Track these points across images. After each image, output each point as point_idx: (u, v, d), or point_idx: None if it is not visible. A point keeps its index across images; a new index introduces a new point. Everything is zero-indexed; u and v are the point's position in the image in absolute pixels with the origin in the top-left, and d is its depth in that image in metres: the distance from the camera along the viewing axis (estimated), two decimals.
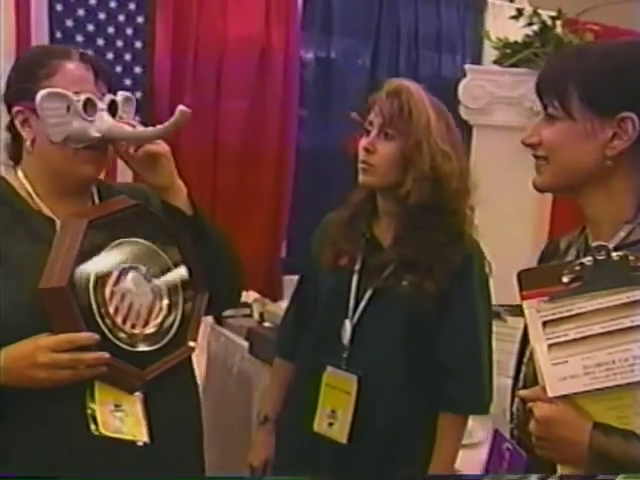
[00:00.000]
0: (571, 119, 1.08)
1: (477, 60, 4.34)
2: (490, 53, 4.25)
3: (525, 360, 1.18)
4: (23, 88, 1.34)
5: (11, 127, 1.37)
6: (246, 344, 2.95)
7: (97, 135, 1.34)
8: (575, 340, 0.97)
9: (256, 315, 3.22)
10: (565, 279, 1.00)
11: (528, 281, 1.03)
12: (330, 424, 1.66)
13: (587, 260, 1.01)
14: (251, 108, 3.87)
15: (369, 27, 4.29)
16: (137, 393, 1.31)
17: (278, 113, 3.93)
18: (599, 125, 1.06)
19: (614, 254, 1.00)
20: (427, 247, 1.61)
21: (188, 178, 1.49)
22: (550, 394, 0.97)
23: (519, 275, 1.04)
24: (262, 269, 3.85)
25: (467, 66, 3.29)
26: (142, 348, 1.34)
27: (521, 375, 1.20)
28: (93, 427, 1.23)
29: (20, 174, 1.38)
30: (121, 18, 3.45)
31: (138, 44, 3.49)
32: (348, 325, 1.67)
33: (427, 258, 1.60)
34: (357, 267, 1.70)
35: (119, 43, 3.44)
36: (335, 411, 1.66)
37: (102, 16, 3.39)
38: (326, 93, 4.21)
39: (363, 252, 1.70)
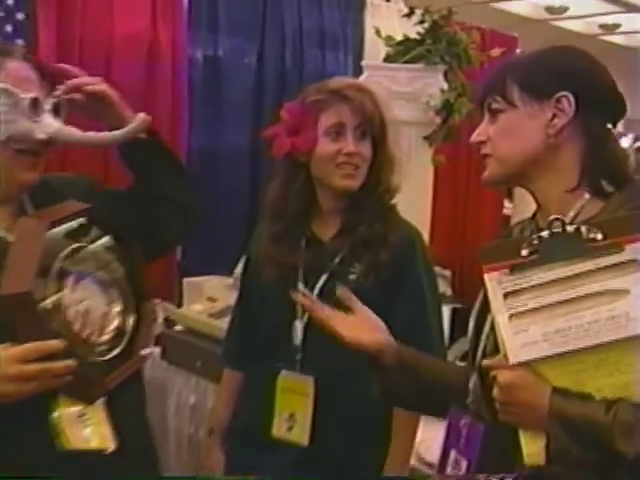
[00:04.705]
0: (513, 107, 1.17)
1: (359, 57, 4.48)
2: (373, 50, 4.39)
3: (484, 333, 1.23)
4: None
5: None
6: (156, 350, 2.87)
7: (42, 137, 1.27)
8: (534, 309, 1.03)
9: (160, 320, 3.14)
10: (524, 252, 1.05)
11: (489, 255, 1.08)
12: (289, 428, 1.64)
13: (544, 233, 1.06)
14: (139, 109, 3.75)
15: (255, 25, 4.31)
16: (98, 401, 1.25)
17: (168, 114, 3.86)
18: (539, 108, 1.15)
19: (568, 227, 1.05)
20: (370, 237, 1.63)
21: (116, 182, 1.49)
22: (512, 361, 1.02)
23: (481, 250, 1.09)
24: (159, 274, 3.77)
25: (364, 62, 3.34)
26: (101, 356, 1.28)
27: (479, 349, 1.24)
28: (60, 441, 1.16)
29: None
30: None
31: (19, 42, 3.31)
32: (299, 326, 1.64)
33: (371, 248, 1.62)
34: (301, 267, 1.68)
35: None
36: (293, 414, 1.63)
37: None
38: (214, 92, 4.19)
39: (305, 251, 1.68)
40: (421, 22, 3.16)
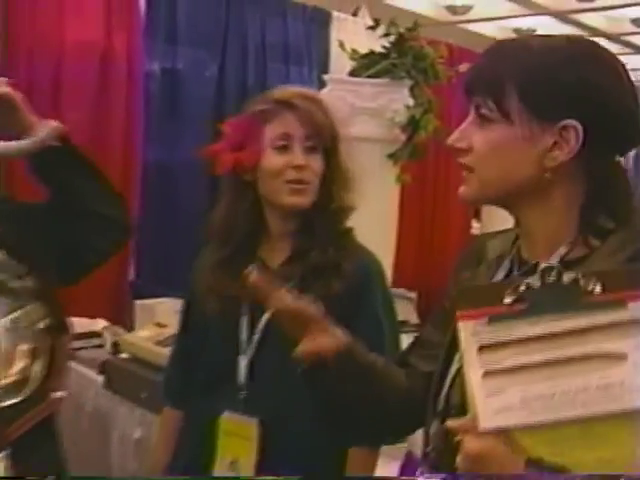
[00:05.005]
0: (508, 122, 0.96)
1: (325, 72, 4.36)
2: (338, 65, 4.28)
3: (450, 375, 1.07)
4: None
5: None
6: (100, 378, 2.68)
7: None
8: (513, 369, 0.87)
9: (108, 345, 2.93)
10: (507, 300, 0.89)
11: (465, 299, 0.92)
12: (232, 475, 1.47)
13: (534, 281, 0.90)
14: (92, 120, 3.63)
15: (216, 38, 4.19)
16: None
17: (122, 126, 3.73)
18: (539, 131, 0.94)
19: (565, 276, 0.89)
20: (323, 265, 1.48)
21: (24, 198, 1.37)
22: (482, 427, 0.86)
23: (457, 292, 0.96)
24: (110, 294, 3.61)
25: (326, 76, 3.20)
26: (3, 402, 1.11)
27: (442, 393, 1.08)
28: None
29: None
30: None
31: None
32: (242, 362, 1.50)
33: (323, 277, 1.46)
34: (246, 294, 1.51)
35: None
36: (236, 460, 1.47)
37: None
38: (172, 105, 4.06)
39: None
40: (386, 35, 3.03)
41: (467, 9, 5.48)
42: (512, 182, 0.97)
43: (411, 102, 3.05)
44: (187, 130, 4.05)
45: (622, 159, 1.02)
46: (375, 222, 3.31)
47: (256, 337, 1.51)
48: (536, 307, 0.88)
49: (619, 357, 0.84)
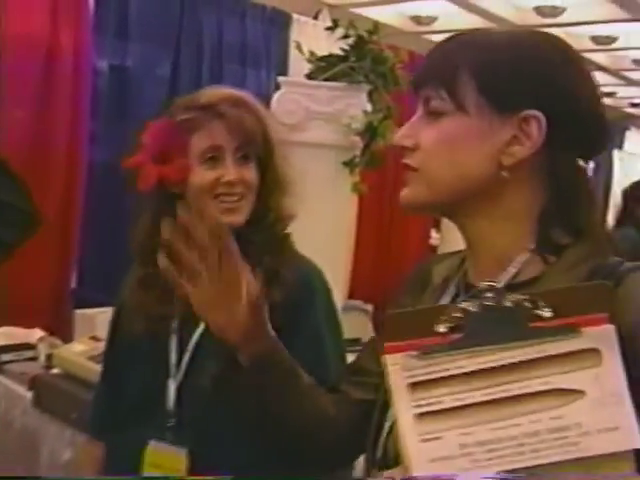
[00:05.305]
0: (463, 113, 0.84)
1: (283, 75, 4.24)
2: (297, 68, 4.15)
3: (389, 420, 0.93)
4: None
5: None
6: (29, 395, 2.50)
7: None
8: (451, 409, 0.75)
9: (42, 358, 2.75)
10: (441, 328, 0.77)
11: (393, 328, 0.79)
12: None
13: (471, 304, 0.77)
14: (35, 117, 3.47)
15: (169, 35, 4.04)
16: None
17: (67, 125, 3.58)
18: (497, 123, 0.83)
19: (507, 298, 0.76)
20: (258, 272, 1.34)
21: None
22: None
23: (383, 320, 0.81)
24: (49, 302, 3.46)
25: (281, 78, 3.06)
26: None
27: (380, 440, 0.95)
28: None
29: None
30: None
31: None
32: (172, 385, 1.37)
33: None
34: (176, 317, 1.37)
35: None
36: None
37: None
38: (121, 104, 3.89)
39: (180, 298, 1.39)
40: (345, 37, 2.90)
41: (432, 20, 5.51)
42: (464, 181, 0.85)
43: (369, 108, 2.92)
44: (136, 131, 3.87)
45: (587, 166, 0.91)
46: (330, 232, 3.19)
47: (185, 359, 1.37)
48: (475, 336, 0.76)
49: (574, 394, 0.73)
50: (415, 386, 0.76)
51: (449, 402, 0.75)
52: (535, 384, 0.73)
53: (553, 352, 0.73)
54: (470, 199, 0.86)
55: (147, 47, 3.93)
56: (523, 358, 0.74)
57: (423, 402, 0.75)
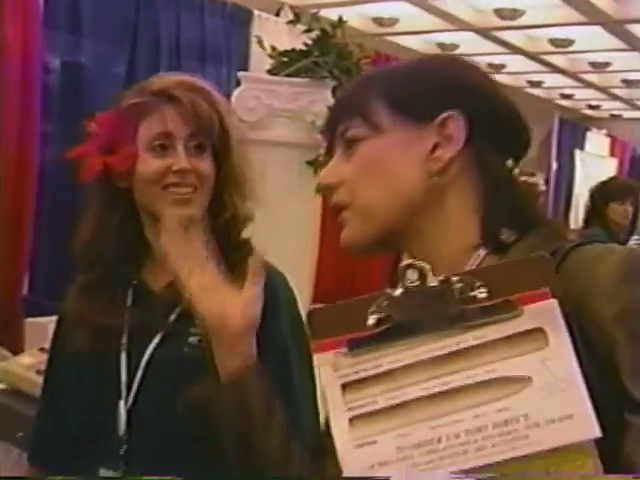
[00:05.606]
0: (379, 134, 0.85)
1: (244, 71, 4.17)
2: (259, 65, 4.07)
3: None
4: None
5: None
6: None
7: None
8: (386, 409, 0.69)
9: None
10: (371, 320, 0.70)
11: (320, 325, 0.73)
12: None
13: (395, 290, 0.70)
14: None
15: (125, 31, 3.95)
16: None
17: (16, 125, 3.49)
18: (415, 134, 0.84)
19: (432, 279, 0.69)
20: None
21: None
22: None
23: (308, 317, 0.75)
24: None
25: (241, 73, 2.97)
26: None
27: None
28: None
29: None
30: None
31: None
32: (122, 409, 1.26)
33: None
34: (125, 329, 1.25)
35: None
36: None
37: None
38: (75, 103, 3.78)
39: (131, 308, 1.27)
40: (308, 31, 2.81)
41: (394, 22, 5.61)
42: (397, 200, 0.85)
43: None
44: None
45: (516, 170, 0.92)
46: (294, 235, 3.11)
47: (137, 378, 1.25)
48: (403, 325, 0.68)
49: (520, 381, 0.66)
50: (347, 386, 0.70)
51: (383, 401, 0.68)
52: (476, 374, 0.66)
53: (493, 336, 0.67)
54: (410, 218, 0.84)
55: (101, 43, 3.86)
56: (460, 346, 0.67)
57: (356, 404, 0.69)
